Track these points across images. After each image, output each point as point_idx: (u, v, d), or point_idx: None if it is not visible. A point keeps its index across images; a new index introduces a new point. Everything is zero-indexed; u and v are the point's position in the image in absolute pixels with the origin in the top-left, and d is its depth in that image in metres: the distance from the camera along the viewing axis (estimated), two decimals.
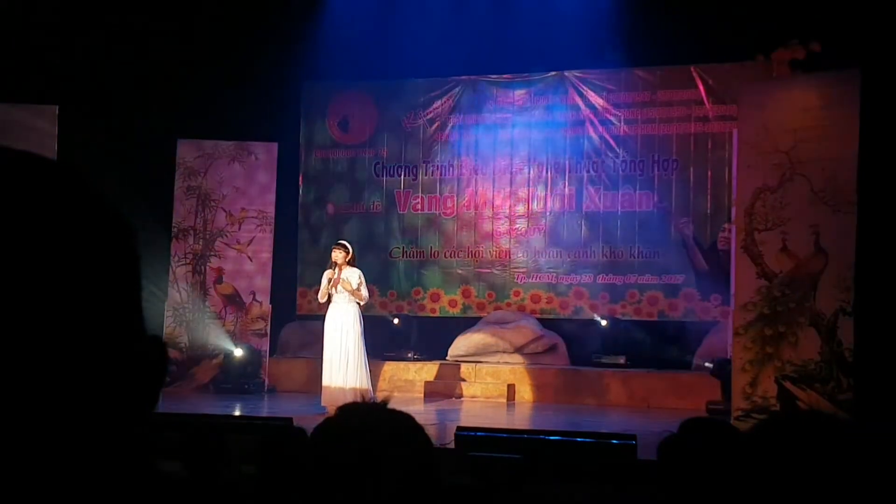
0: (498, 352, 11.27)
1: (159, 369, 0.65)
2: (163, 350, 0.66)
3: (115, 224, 0.64)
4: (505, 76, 11.90)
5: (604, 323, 11.37)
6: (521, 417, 9.82)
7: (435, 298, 12.33)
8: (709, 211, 11.27)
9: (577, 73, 11.67)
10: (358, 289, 8.81)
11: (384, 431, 1.30)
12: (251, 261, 11.38)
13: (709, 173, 11.29)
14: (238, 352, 11.05)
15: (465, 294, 12.26)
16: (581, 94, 11.81)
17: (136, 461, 0.63)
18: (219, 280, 11.35)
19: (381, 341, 11.24)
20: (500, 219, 12.19)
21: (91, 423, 0.60)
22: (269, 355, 11.26)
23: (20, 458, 0.57)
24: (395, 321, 11.83)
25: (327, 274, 8.92)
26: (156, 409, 0.65)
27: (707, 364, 9.92)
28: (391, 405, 1.35)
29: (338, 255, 8.86)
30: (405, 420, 1.34)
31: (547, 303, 11.92)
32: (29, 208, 0.60)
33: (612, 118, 11.71)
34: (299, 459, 1.21)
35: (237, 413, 9.14)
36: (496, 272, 12.15)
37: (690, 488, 1.63)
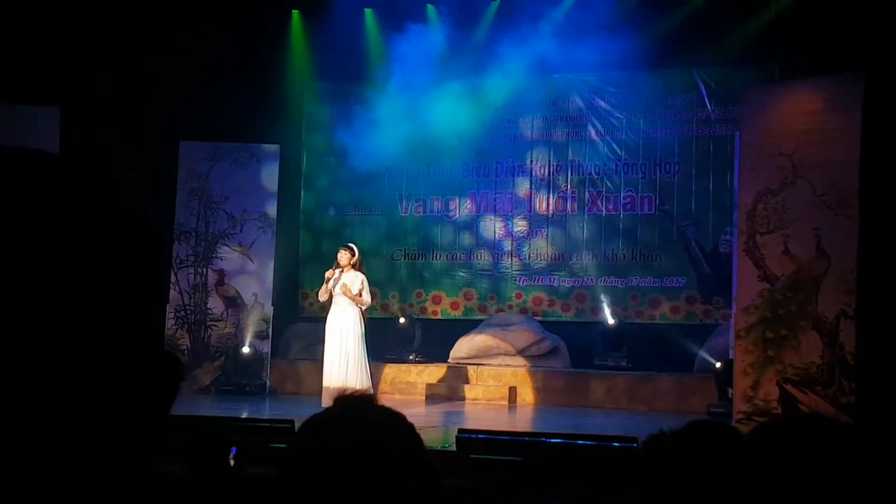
0: (499, 354, 11.26)
1: (172, 383, 0.65)
2: (177, 366, 0.65)
3: (143, 232, 0.64)
4: (507, 79, 11.87)
5: (611, 322, 11.32)
6: (522, 420, 9.81)
7: (437, 301, 12.32)
8: (711, 214, 11.26)
9: (579, 76, 11.66)
10: (359, 294, 8.81)
11: (377, 426, 1.29)
12: (253, 263, 11.38)
13: (711, 176, 11.28)
14: (240, 354, 11.04)
15: (467, 296, 12.25)
16: (584, 97, 11.81)
17: (143, 464, 0.63)
18: (221, 282, 11.36)
19: (382, 343, 11.24)
20: (501, 221, 12.18)
21: (95, 427, 0.60)
22: (271, 357, 11.26)
23: (31, 459, 0.57)
24: (402, 321, 11.81)
25: (329, 273, 8.93)
26: (165, 418, 0.65)
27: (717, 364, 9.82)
28: (389, 406, 1.34)
29: (342, 257, 8.87)
30: (396, 417, 1.34)
31: (549, 305, 11.91)
32: (43, 208, 0.60)
33: (614, 121, 11.71)
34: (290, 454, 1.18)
35: (242, 415, 9.13)
36: (498, 275, 12.14)
37: (683, 489, 1.63)
